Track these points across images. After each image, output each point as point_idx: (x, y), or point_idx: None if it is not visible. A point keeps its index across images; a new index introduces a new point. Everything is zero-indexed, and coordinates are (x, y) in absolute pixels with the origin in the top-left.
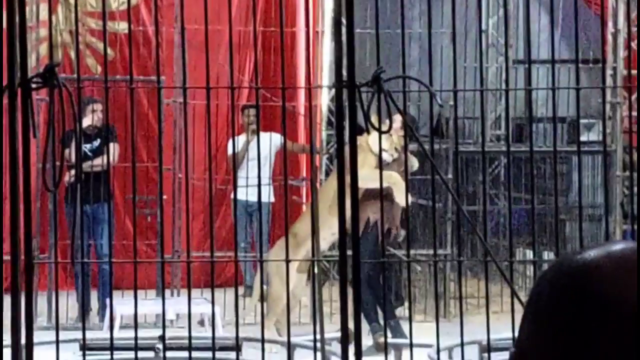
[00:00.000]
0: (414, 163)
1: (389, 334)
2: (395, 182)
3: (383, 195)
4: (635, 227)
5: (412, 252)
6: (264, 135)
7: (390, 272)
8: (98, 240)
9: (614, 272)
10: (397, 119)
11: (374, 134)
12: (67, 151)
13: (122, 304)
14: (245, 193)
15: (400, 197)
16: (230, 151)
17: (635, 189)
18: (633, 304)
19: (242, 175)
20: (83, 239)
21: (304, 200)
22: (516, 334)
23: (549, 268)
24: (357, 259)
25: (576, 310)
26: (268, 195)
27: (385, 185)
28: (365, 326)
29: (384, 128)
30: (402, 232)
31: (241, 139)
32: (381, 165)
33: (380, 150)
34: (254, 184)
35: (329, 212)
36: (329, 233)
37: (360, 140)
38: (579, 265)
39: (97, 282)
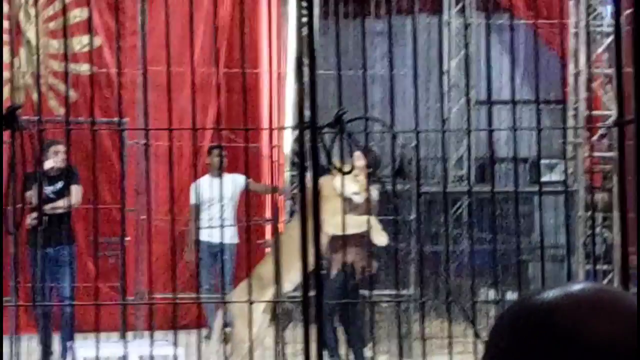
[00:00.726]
0: (374, 196)
1: None
2: (372, 225)
3: (362, 237)
4: (597, 267)
5: (375, 292)
6: (228, 177)
7: (357, 313)
8: (61, 282)
9: (574, 311)
10: (360, 156)
11: (338, 177)
12: (28, 193)
13: (85, 347)
14: (210, 234)
15: (378, 238)
16: (192, 195)
17: (597, 229)
18: (593, 342)
19: (207, 216)
20: (45, 282)
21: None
22: None
23: (509, 308)
24: (320, 300)
25: (537, 350)
26: (232, 237)
27: (363, 229)
28: None
29: (347, 169)
30: (375, 265)
31: (205, 180)
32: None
33: (343, 190)
34: (217, 226)
35: (297, 255)
36: (297, 275)
37: (326, 186)
38: (539, 305)
39: (59, 324)
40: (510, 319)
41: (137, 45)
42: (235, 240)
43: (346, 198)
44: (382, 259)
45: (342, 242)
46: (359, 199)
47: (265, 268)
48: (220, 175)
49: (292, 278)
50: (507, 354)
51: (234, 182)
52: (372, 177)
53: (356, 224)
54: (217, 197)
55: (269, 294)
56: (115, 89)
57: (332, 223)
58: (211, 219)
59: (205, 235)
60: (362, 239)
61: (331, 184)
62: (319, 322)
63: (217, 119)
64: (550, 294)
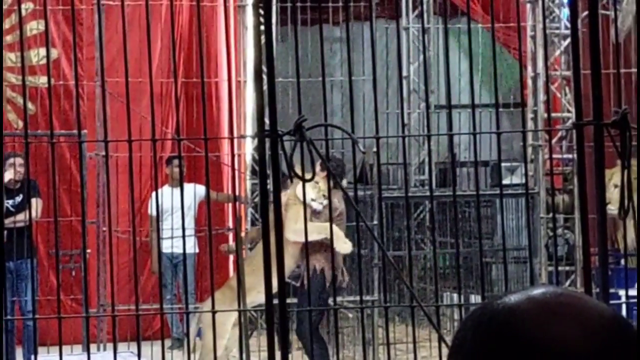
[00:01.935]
0: (337, 204)
1: None
2: (334, 232)
3: (325, 245)
4: (559, 268)
5: (339, 299)
6: (188, 186)
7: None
8: (22, 296)
9: (537, 315)
10: (321, 164)
11: (300, 185)
12: None
13: None
14: (170, 245)
15: (341, 246)
16: (153, 206)
17: (559, 231)
18: (554, 347)
19: (166, 227)
20: (6, 296)
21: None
22: None
23: (472, 313)
24: (284, 309)
25: (501, 354)
26: (192, 247)
27: (324, 237)
28: None
29: (308, 176)
30: (346, 278)
31: (165, 190)
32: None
33: (305, 198)
34: (177, 236)
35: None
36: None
37: (289, 194)
38: (502, 309)
39: (21, 338)
40: (473, 324)
41: (94, 56)
42: (195, 250)
43: (308, 205)
44: (345, 264)
45: (307, 249)
46: (317, 205)
47: (235, 280)
48: (180, 186)
49: (263, 289)
50: (470, 358)
51: (194, 191)
52: (335, 184)
53: (317, 230)
54: (176, 207)
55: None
56: (73, 101)
57: (293, 229)
58: (170, 229)
59: (165, 246)
60: (327, 248)
61: (294, 191)
62: (282, 330)
63: (177, 129)
64: (512, 298)
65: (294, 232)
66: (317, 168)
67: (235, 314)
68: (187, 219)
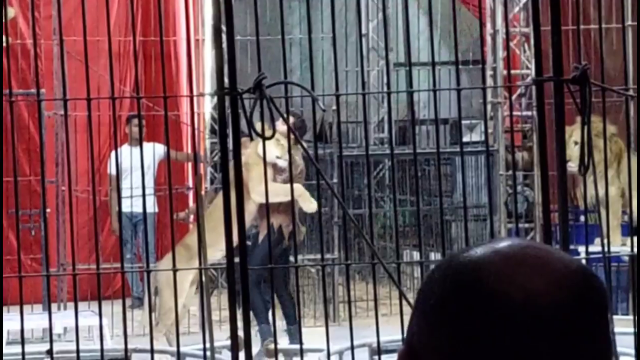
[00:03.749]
0: (299, 161)
1: (286, 340)
2: (300, 193)
3: (286, 203)
4: (519, 225)
5: (299, 257)
6: (147, 146)
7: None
8: None
9: (503, 268)
10: (282, 122)
11: (261, 143)
12: None
13: (8, 320)
14: (129, 204)
15: (308, 205)
16: (112, 164)
17: (519, 188)
18: (523, 298)
19: (125, 186)
20: None
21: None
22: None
23: (437, 266)
24: (245, 267)
25: (465, 306)
26: (152, 206)
27: (289, 198)
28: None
29: (269, 134)
30: (303, 229)
31: (125, 150)
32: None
33: (265, 157)
34: (136, 195)
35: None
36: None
37: (249, 154)
38: (467, 262)
39: None
40: (440, 277)
41: (52, 15)
42: (155, 210)
43: (270, 163)
44: (306, 223)
45: (269, 208)
46: (282, 162)
47: (193, 238)
48: (140, 145)
49: (222, 247)
50: (435, 311)
51: (154, 150)
52: (297, 141)
53: (283, 191)
54: (135, 166)
55: (196, 263)
56: (31, 60)
57: (259, 191)
58: (130, 189)
59: (124, 205)
60: (289, 205)
61: (255, 150)
62: (244, 289)
63: (137, 88)
64: (478, 251)
65: (259, 194)
66: (279, 125)
67: (192, 273)
68: (146, 178)
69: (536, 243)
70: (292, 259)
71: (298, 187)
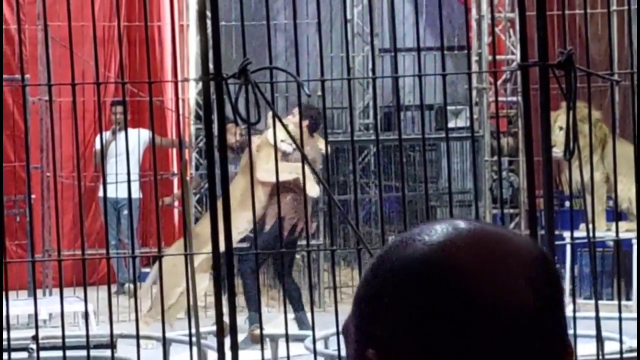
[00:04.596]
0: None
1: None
2: (306, 175)
3: (294, 186)
4: (504, 211)
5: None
6: (132, 131)
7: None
8: None
9: (468, 264)
10: (296, 112)
11: (271, 130)
12: None
13: None
14: (113, 190)
15: (312, 190)
16: (97, 147)
17: (504, 173)
18: (491, 297)
19: (109, 172)
20: None
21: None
22: None
23: (382, 259)
24: (230, 253)
25: (436, 309)
26: (136, 192)
27: (294, 176)
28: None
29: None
30: (313, 225)
31: (109, 135)
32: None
33: (276, 142)
34: (120, 181)
35: (240, 208)
36: (235, 233)
37: (261, 138)
38: (428, 259)
39: None
40: (390, 272)
41: (36, 0)
42: (139, 195)
43: (279, 150)
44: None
45: (277, 192)
46: (286, 146)
47: (202, 226)
48: (125, 130)
49: (233, 234)
50: (400, 313)
51: (139, 136)
52: (311, 132)
53: (288, 169)
54: (119, 151)
55: (206, 251)
56: (16, 46)
57: (264, 168)
58: (114, 174)
59: (108, 191)
60: (297, 192)
61: (265, 136)
62: (229, 275)
63: (121, 73)
64: (435, 243)
65: (265, 171)
66: (290, 118)
67: (197, 262)
68: (130, 163)
69: (490, 227)
70: (278, 245)
71: (304, 170)
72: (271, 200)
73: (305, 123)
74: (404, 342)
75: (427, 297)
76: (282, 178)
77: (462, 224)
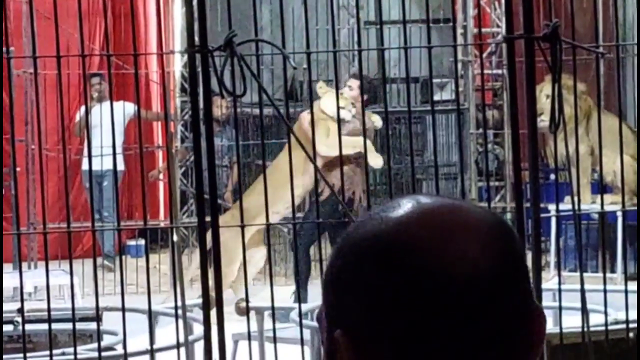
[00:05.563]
0: (378, 122)
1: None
2: (367, 147)
3: (353, 160)
4: (490, 183)
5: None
6: (116, 104)
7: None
8: None
9: (431, 241)
10: (353, 83)
11: (324, 98)
12: None
13: None
14: (95, 162)
15: (374, 160)
16: (82, 121)
17: (489, 146)
18: (457, 274)
19: (93, 144)
20: None
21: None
22: None
23: (347, 239)
24: (216, 225)
25: (403, 289)
26: (118, 164)
27: (356, 151)
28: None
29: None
30: (364, 200)
31: (94, 107)
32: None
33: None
34: (103, 154)
35: (282, 187)
36: (283, 207)
37: (315, 111)
38: (382, 231)
39: None
40: (353, 252)
41: None
42: (122, 168)
43: (334, 118)
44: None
45: (335, 164)
46: (345, 113)
47: (249, 199)
48: (110, 102)
49: (278, 209)
50: (367, 294)
51: (123, 109)
52: (369, 103)
53: (349, 143)
54: (96, 124)
55: (254, 227)
56: None
57: (325, 143)
58: (97, 147)
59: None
60: (353, 164)
61: (317, 108)
62: (215, 248)
63: (107, 45)
64: (398, 220)
65: (326, 145)
66: (347, 91)
67: (248, 236)
68: (115, 135)
69: (448, 201)
70: (263, 219)
71: (362, 141)
72: (326, 173)
73: (365, 97)
74: (365, 322)
75: (381, 274)
76: (345, 152)
77: (422, 199)
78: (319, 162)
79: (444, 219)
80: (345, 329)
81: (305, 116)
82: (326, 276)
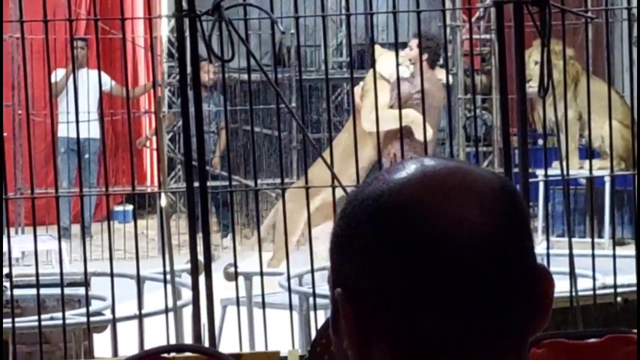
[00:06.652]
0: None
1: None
2: (413, 119)
3: (405, 132)
4: (479, 149)
5: (258, 182)
6: (92, 72)
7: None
8: None
9: (434, 203)
10: (413, 42)
11: (381, 58)
12: None
13: None
14: (72, 130)
15: (420, 134)
16: (60, 84)
17: (477, 111)
18: (460, 236)
19: (67, 110)
20: None
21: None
22: None
23: (351, 204)
24: (205, 191)
25: (405, 252)
26: (97, 132)
27: (404, 124)
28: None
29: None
30: None
31: (81, 73)
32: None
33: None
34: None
35: (342, 161)
36: (348, 181)
37: (369, 76)
38: (394, 199)
39: None
40: (359, 216)
41: None
42: (98, 136)
43: (389, 82)
44: (263, 147)
45: (395, 134)
46: (403, 70)
47: (314, 170)
48: (98, 69)
49: (343, 181)
50: (371, 256)
51: (99, 76)
52: (434, 63)
53: (392, 118)
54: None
55: (318, 201)
56: None
57: (369, 119)
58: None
59: (65, 131)
60: (412, 136)
61: (376, 73)
62: (204, 213)
63: (94, 9)
64: (400, 182)
65: (370, 121)
66: (408, 50)
67: (313, 208)
68: (92, 103)
69: (452, 163)
70: (251, 183)
71: (412, 113)
72: (385, 150)
73: (424, 57)
74: (363, 281)
75: (377, 234)
76: (387, 127)
77: (427, 162)
78: (374, 141)
79: (445, 180)
80: (345, 288)
81: (357, 90)
82: (331, 236)
